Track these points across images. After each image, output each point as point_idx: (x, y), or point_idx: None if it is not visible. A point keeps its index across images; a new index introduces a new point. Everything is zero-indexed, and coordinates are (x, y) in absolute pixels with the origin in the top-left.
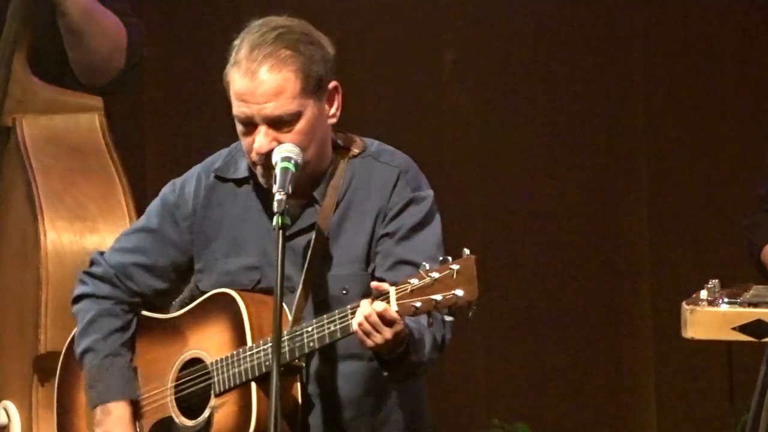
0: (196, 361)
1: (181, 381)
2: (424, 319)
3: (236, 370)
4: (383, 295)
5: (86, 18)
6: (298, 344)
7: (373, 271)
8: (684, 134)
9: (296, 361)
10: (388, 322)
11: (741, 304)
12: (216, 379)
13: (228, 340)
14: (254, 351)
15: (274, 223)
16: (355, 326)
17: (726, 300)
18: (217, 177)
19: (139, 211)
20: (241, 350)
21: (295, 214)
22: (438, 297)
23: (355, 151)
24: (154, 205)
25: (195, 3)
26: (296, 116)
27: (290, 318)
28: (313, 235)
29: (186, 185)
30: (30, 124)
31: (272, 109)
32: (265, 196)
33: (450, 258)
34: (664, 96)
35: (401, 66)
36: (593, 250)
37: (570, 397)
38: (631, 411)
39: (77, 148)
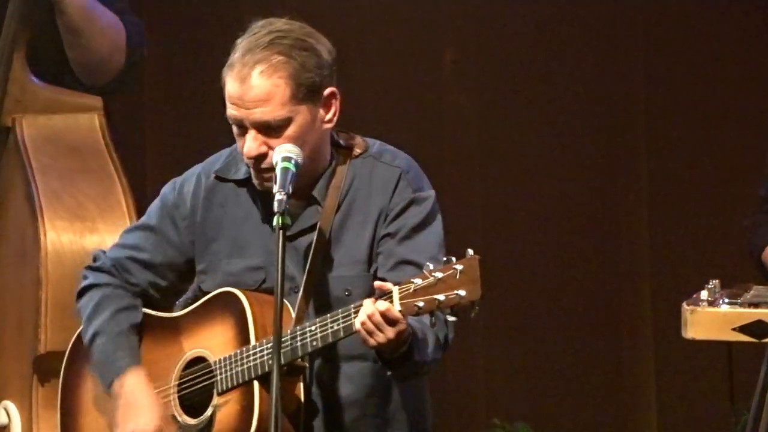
0: (199, 360)
1: (184, 379)
2: (427, 318)
3: (239, 369)
4: (386, 295)
5: (85, 17)
6: (301, 343)
7: (376, 271)
8: (684, 134)
9: (299, 361)
10: (391, 321)
11: (741, 305)
12: (219, 377)
13: (232, 338)
14: (257, 350)
15: (275, 223)
16: (357, 325)
17: (726, 300)
18: (218, 178)
19: (140, 210)
20: (244, 349)
21: (295, 214)
22: (441, 297)
23: (357, 151)
24: (155, 203)
25: (195, 2)
26: (285, 122)
27: (293, 318)
28: (315, 235)
29: (185, 185)
30: (29, 123)
31: (261, 114)
32: (266, 196)
33: (453, 258)
34: (665, 96)
35: (401, 66)
36: (593, 250)
37: (570, 398)
38: (632, 411)
39: (77, 147)
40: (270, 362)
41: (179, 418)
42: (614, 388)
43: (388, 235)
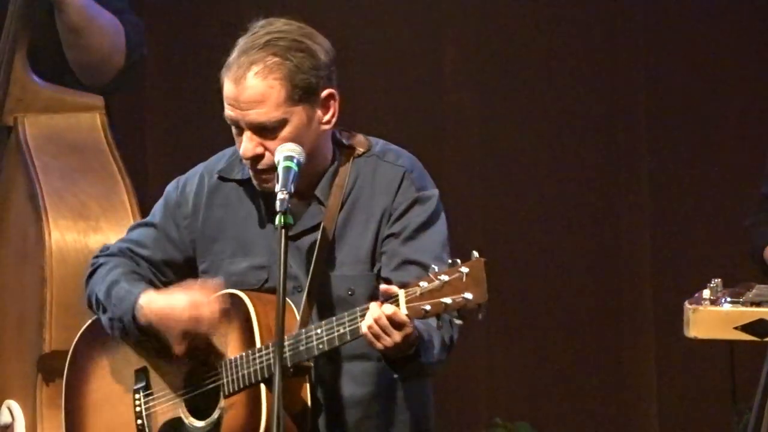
0: (205, 362)
1: (192, 381)
2: (433, 320)
3: (245, 371)
4: (392, 298)
5: (84, 16)
6: (307, 346)
7: (379, 271)
8: (685, 133)
9: (305, 362)
10: (397, 325)
11: (743, 304)
12: (225, 380)
13: (237, 340)
14: (263, 352)
15: (277, 222)
16: (364, 329)
17: (728, 299)
18: (221, 178)
19: (142, 209)
20: (250, 351)
21: (298, 213)
22: (448, 300)
23: (360, 150)
24: (159, 202)
25: (196, 1)
26: (281, 124)
27: (298, 317)
28: (318, 235)
29: (188, 184)
30: (31, 123)
31: (256, 116)
32: (269, 195)
33: (458, 260)
34: (665, 95)
35: (402, 64)
36: (595, 249)
37: (572, 397)
38: (633, 410)
39: (78, 147)
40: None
41: (186, 420)
42: (616, 388)
43: (392, 235)
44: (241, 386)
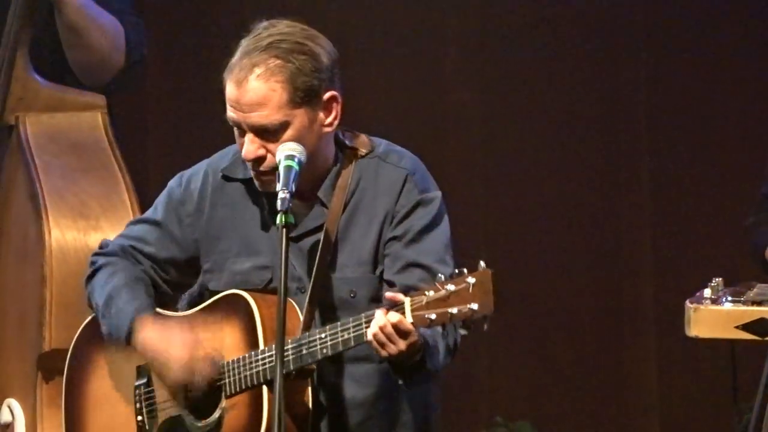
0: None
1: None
2: (438, 327)
3: (248, 373)
4: (398, 306)
5: (82, 16)
6: (310, 350)
7: (381, 273)
8: (686, 133)
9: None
10: (402, 333)
11: (744, 303)
12: (227, 380)
13: (240, 341)
14: (266, 355)
15: (278, 221)
16: (369, 336)
17: (729, 298)
18: (225, 177)
19: (143, 209)
20: (253, 353)
21: (301, 215)
22: (453, 310)
23: (363, 151)
24: (161, 196)
25: (197, 1)
26: (282, 126)
27: (301, 318)
28: (321, 236)
29: (192, 181)
30: (32, 122)
31: (257, 118)
32: (273, 195)
33: (465, 270)
34: (667, 95)
35: (404, 64)
36: (596, 249)
37: (572, 396)
38: (634, 409)
39: (79, 146)
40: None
41: (186, 419)
42: (617, 387)
43: (394, 237)
44: (243, 387)
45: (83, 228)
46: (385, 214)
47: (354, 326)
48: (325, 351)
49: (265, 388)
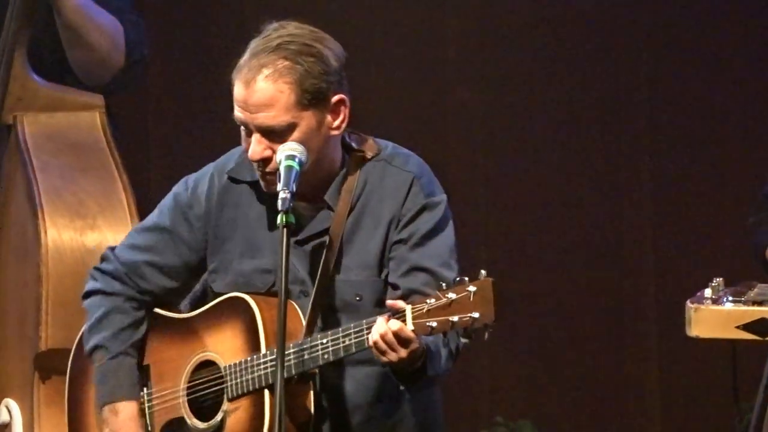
0: (209, 364)
1: (194, 382)
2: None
3: (250, 376)
4: (399, 314)
5: (81, 15)
6: (312, 355)
7: (386, 276)
8: (688, 132)
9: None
10: (403, 341)
11: (745, 303)
12: (229, 384)
13: (242, 344)
14: (268, 358)
15: (278, 221)
16: (370, 343)
17: (730, 298)
18: (231, 179)
19: (141, 208)
20: (255, 357)
21: (307, 217)
22: (455, 318)
23: (369, 154)
24: (167, 202)
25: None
26: (289, 128)
27: (303, 322)
28: (326, 239)
29: (199, 185)
30: (30, 121)
31: (264, 119)
32: (277, 197)
33: (467, 278)
34: (668, 94)
35: (405, 63)
36: (597, 248)
37: (573, 396)
38: (635, 409)
39: (78, 145)
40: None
41: (188, 421)
42: (617, 386)
43: (400, 241)
44: (246, 391)
45: (80, 227)
46: (391, 217)
47: (355, 332)
48: (326, 356)
49: (267, 392)
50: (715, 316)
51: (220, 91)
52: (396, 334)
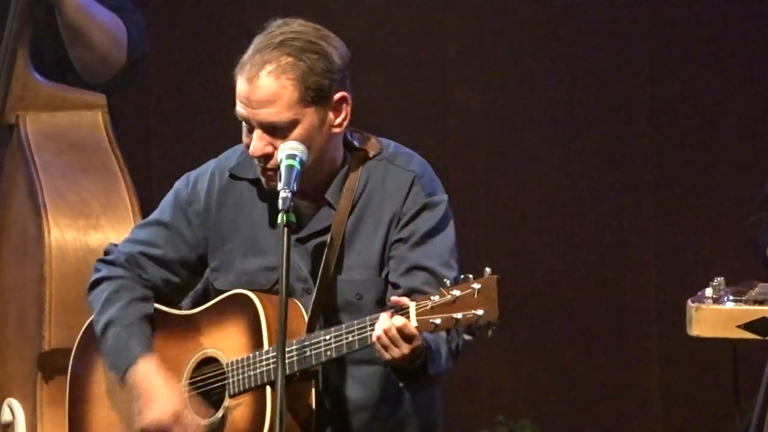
0: (211, 360)
1: (196, 379)
2: (443, 333)
3: (252, 373)
4: (403, 310)
5: (82, 14)
6: (315, 352)
7: (387, 275)
8: (689, 131)
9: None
10: (407, 337)
11: (746, 302)
12: (231, 380)
13: (245, 341)
14: (270, 355)
15: (279, 220)
16: (374, 339)
17: (731, 298)
18: (232, 176)
19: (143, 208)
20: (257, 353)
21: (308, 216)
22: (458, 315)
23: (371, 152)
24: (168, 198)
25: None
26: (291, 124)
27: (306, 320)
28: (328, 237)
29: (199, 181)
30: (32, 121)
31: (266, 115)
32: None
33: (471, 276)
34: (669, 93)
35: (406, 62)
36: (597, 248)
37: (574, 395)
38: (636, 409)
39: (80, 145)
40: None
41: (189, 418)
42: (619, 386)
43: (400, 240)
44: (247, 387)
45: (83, 227)
46: (392, 216)
47: (359, 329)
48: (329, 353)
49: (268, 389)
50: (716, 315)
51: (221, 90)
52: (400, 330)
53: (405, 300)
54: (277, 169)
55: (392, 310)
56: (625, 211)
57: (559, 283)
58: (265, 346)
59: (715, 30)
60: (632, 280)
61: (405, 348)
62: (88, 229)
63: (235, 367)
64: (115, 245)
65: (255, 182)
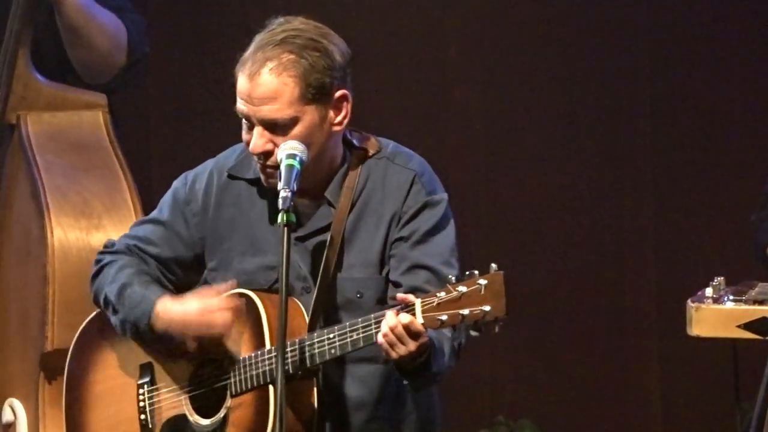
0: (212, 360)
1: (198, 379)
2: (449, 331)
3: (254, 372)
4: (409, 307)
5: (82, 14)
6: (319, 350)
7: (387, 274)
8: (689, 131)
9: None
10: (413, 334)
11: (746, 302)
12: (233, 380)
13: (246, 341)
14: (272, 354)
15: (279, 220)
16: (380, 337)
17: (731, 297)
18: (231, 176)
19: (145, 207)
20: (259, 352)
21: (308, 214)
22: (465, 311)
23: (371, 151)
24: (166, 197)
25: None
26: (292, 122)
27: (307, 319)
28: (328, 236)
29: (197, 181)
30: (34, 121)
31: (267, 112)
32: (278, 194)
33: (476, 272)
34: (670, 92)
35: (406, 61)
36: (598, 247)
37: (575, 395)
38: (636, 408)
39: (81, 145)
40: (285, 367)
41: (190, 418)
42: (619, 386)
43: (401, 238)
44: (249, 387)
45: (85, 227)
46: (392, 215)
47: (363, 327)
48: (333, 351)
49: (270, 388)
50: (716, 315)
51: (222, 90)
52: (406, 327)
53: (411, 297)
54: (276, 166)
55: (398, 307)
56: (625, 211)
57: (559, 283)
58: (267, 346)
59: (715, 30)
60: (632, 280)
61: (411, 345)
62: (91, 229)
63: (237, 366)
64: (115, 241)
65: (253, 182)
